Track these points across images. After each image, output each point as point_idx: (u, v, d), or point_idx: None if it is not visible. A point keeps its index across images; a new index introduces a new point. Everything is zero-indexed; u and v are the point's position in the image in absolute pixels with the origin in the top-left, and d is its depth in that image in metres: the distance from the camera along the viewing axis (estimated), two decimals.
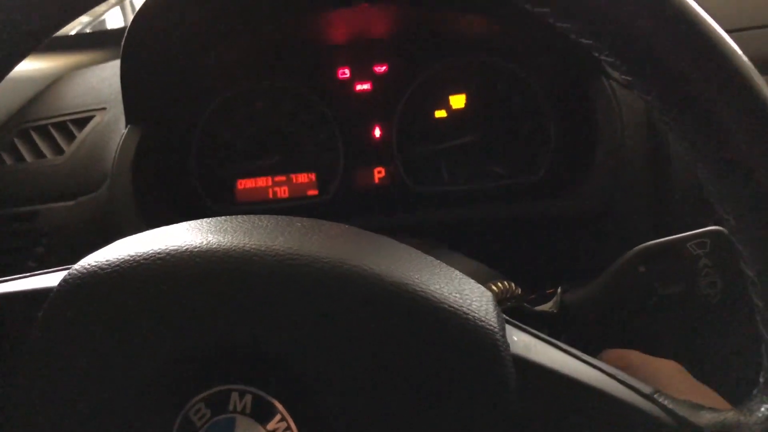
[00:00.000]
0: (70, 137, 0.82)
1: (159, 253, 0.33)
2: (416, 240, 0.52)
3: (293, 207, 0.78)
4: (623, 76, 0.31)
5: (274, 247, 0.32)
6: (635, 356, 0.39)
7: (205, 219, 0.37)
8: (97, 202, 0.74)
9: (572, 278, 0.52)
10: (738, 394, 0.33)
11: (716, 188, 0.30)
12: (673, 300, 0.41)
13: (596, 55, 0.31)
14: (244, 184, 0.79)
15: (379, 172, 0.77)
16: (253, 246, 0.32)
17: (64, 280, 0.33)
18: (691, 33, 0.29)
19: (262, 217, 0.36)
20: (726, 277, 0.40)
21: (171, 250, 0.33)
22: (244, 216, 0.36)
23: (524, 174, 0.74)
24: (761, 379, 0.31)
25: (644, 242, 0.46)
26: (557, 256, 0.68)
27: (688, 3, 0.29)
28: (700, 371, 0.40)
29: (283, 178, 0.79)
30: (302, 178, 0.79)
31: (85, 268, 0.34)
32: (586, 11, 0.30)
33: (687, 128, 0.30)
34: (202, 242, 0.33)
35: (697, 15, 0.29)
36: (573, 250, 0.68)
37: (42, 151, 0.81)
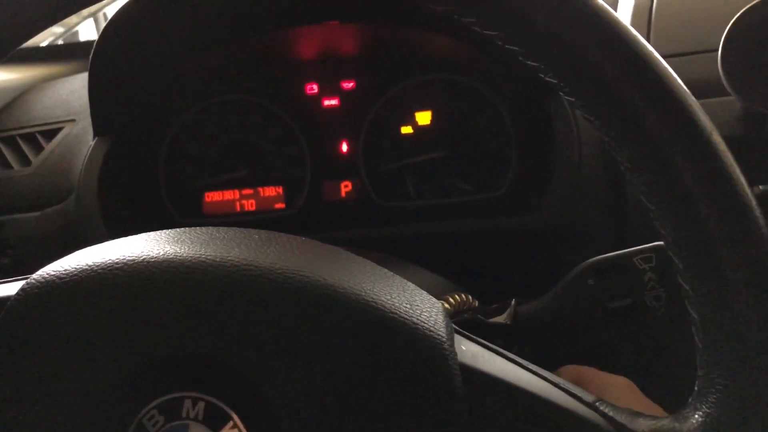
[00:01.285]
0: (38, 148, 0.81)
1: (116, 263, 0.33)
2: (377, 254, 0.53)
3: (260, 220, 0.79)
4: (566, 98, 0.33)
5: (229, 258, 0.33)
6: (588, 371, 0.41)
7: (164, 230, 0.37)
8: (63, 213, 0.74)
9: (532, 293, 0.53)
10: (678, 402, 0.35)
11: (653, 205, 0.31)
12: (621, 312, 0.43)
13: (544, 77, 0.33)
14: (212, 197, 0.80)
15: (346, 186, 0.78)
16: (209, 256, 0.33)
17: (22, 290, 0.34)
18: (635, 64, 0.30)
19: (221, 229, 0.37)
20: (670, 291, 0.42)
21: (128, 260, 0.33)
22: (203, 228, 0.37)
23: (488, 190, 0.76)
24: (696, 388, 0.33)
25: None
26: (518, 270, 0.70)
27: (624, 26, 0.30)
28: (646, 381, 0.41)
29: (250, 191, 0.80)
30: (269, 191, 0.80)
31: (44, 278, 0.34)
32: (531, 37, 0.32)
33: (625, 148, 0.32)
34: (159, 252, 0.34)
35: (634, 38, 0.30)
36: (533, 264, 0.69)
37: (9, 162, 0.81)
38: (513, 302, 0.47)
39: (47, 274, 0.34)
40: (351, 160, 0.78)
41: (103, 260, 0.34)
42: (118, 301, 0.32)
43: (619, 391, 0.39)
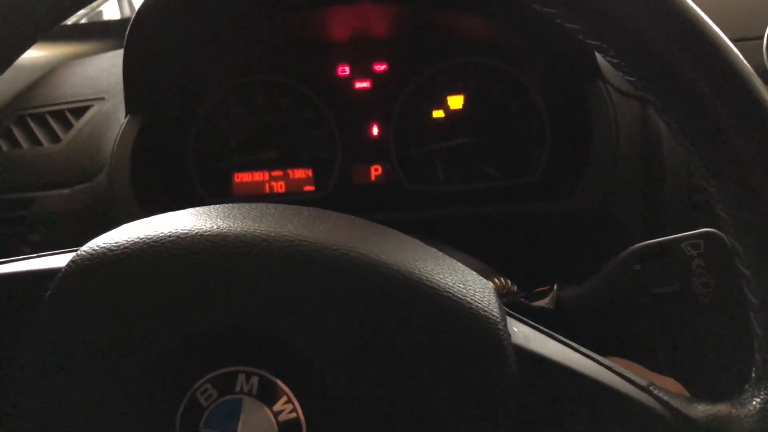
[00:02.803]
0: (68, 126, 0.82)
1: (169, 236, 0.33)
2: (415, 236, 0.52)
3: (289, 202, 0.78)
4: (626, 77, 0.32)
5: (283, 233, 0.33)
6: (636, 368, 0.40)
7: (212, 206, 0.37)
8: (93, 190, 0.75)
9: (566, 279, 0.52)
10: (730, 389, 0.34)
11: (715, 188, 0.31)
12: (667, 298, 0.42)
13: (602, 55, 0.32)
14: (241, 177, 0.80)
15: (376, 170, 0.78)
16: (263, 231, 0.33)
17: (73, 261, 0.34)
18: (695, 37, 0.30)
19: (270, 205, 0.37)
20: (718, 278, 0.41)
21: (181, 233, 0.33)
22: (252, 204, 0.37)
23: (519, 176, 0.75)
24: (753, 374, 0.32)
25: (637, 243, 0.47)
26: (551, 256, 0.69)
27: (694, 10, 0.30)
28: (691, 368, 0.41)
29: (280, 173, 0.80)
30: (299, 173, 0.79)
31: (94, 250, 0.34)
32: (596, 16, 0.31)
33: (688, 129, 0.31)
34: (212, 226, 0.33)
35: (704, 22, 0.30)
36: (567, 250, 0.69)
37: (39, 139, 0.81)
38: (555, 287, 0.47)
39: (97, 246, 0.34)
40: (382, 144, 0.78)
41: (155, 233, 0.33)
42: (171, 273, 0.32)
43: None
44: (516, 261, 0.61)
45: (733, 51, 0.30)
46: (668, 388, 0.39)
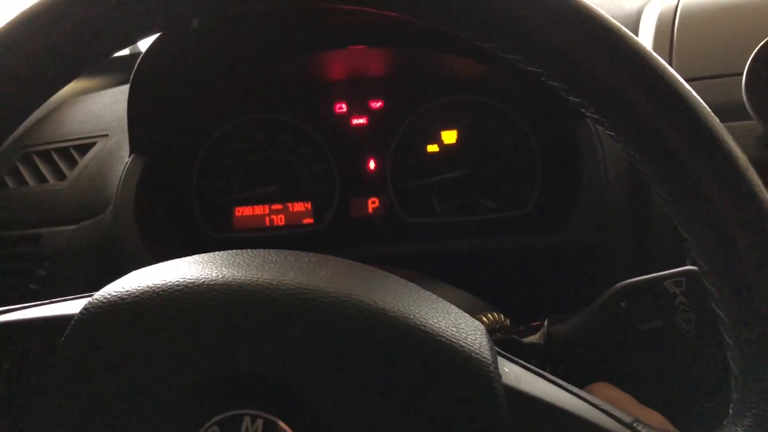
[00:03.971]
0: (72, 163, 0.84)
1: (177, 285, 0.35)
2: (406, 272, 0.54)
3: (289, 235, 0.81)
4: (607, 131, 0.34)
5: (285, 281, 0.35)
6: (624, 398, 0.42)
7: (217, 252, 0.39)
8: (99, 227, 0.76)
9: (557, 310, 0.54)
10: (711, 423, 0.36)
11: (691, 237, 0.33)
12: (651, 335, 0.44)
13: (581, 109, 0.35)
14: (242, 211, 0.82)
15: (373, 203, 0.80)
16: (266, 280, 0.35)
17: (85, 309, 0.35)
18: (672, 101, 0.32)
19: (272, 251, 0.39)
20: (699, 314, 0.43)
21: (188, 282, 0.35)
22: (255, 250, 0.39)
23: (512, 208, 0.77)
24: (731, 410, 0.34)
25: (626, 278, 0.48)
26: (543, 289, 0.71)
27: (668, 71, 0.32)
28: (675, 402, 0.43)
29: (279, 206, 0.82)
30: (298, 207, 0.81)
31: (106, 298, 0.36)
32: (578, 80, 0.33)
33: (663, 180, 0.33)
34: (218, 275, 0.35)
35: (681, 86, 0.32)
36: (558, 283, 0.71)
37: (44, 176, 0.83)
38: (546, 322, 0.48)
39: (109, 294, 0.36)
40: (378, 177, 0.80)
41: (163, 282, 0.35)
42: (179, 321, 0.34)
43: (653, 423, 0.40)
44: (509, 293, 0.63)
45: (709, 114, 0.32)
46: (653, 421, 0.40)
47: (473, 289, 0.62)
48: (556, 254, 0.70)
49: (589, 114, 0.34)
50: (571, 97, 0.34)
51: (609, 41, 0.32)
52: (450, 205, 0.79)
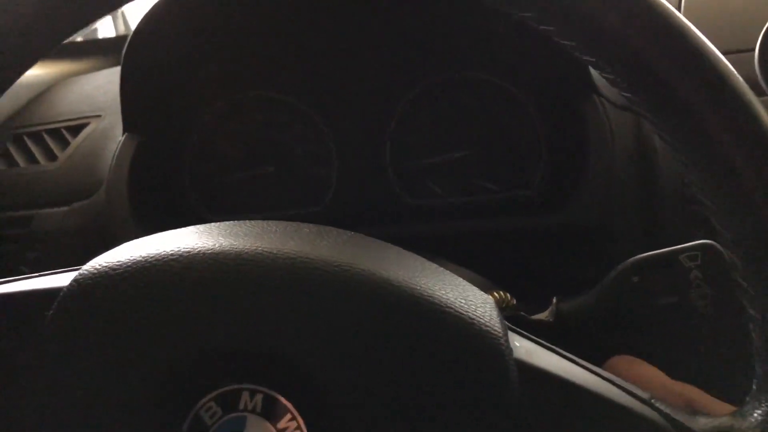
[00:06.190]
0: (64, 143, 0.82)
1: (171, 255, 0.33)
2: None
3: (287, 217, 0.79)
4: (623, 93, 0.33)
5: (285, 250, 0.33)
6: (653, 374, 0.40)
7: (213, 223, 0.37)
8: (91, 208, 0.75)
9: (563, 291, 0.53)
10: (730, 400, 0.34)
11: (712, 203, 0.31)
12: (665, 310, 0.43)
13: (598, 71, 0.33)
14: (238, 193, 0.80)
15: (373, 184, 0.78)
16: (265, 249, 0.33)
17: (75, 280, 0.34)
18: (690, 55, 0.30)
19: (270, 222, 0.37)
20: (716, 289, 0.42)
21: (183, 252, 0.33)
22: (253, 221, 0.37)
23: (516, 189, 0.76)
24: (753, 386, 0.32)
25: (634, 255, 0.47)
26: (550, 269, 0.70)
27: (689, 28, 0.30)
28: (691, 379, 0.41)
29: (277, 188, 0.80)
30: (296, 188, 0.80)
31: (96, 269, 0.34)
32: (592, 35, 0.31)
33: (684, 146, 0.31)
34: (214, 244, 0.34)
35: (699, 39, 0.30)
36: (564, 263, 0.69)
37: (36, 157, 0.82)
38: (554, 299, 0.47)
39: (99, 265, 0.34)
40: (378, 158, 0.78)
41: (157, 252, 0.34)
42: (174, 292, 0.32)
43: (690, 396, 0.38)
44: (514, 274, 0.61)
45: (729, 68, 0.30)
46: (691, 394, 0.39)
47: (477, 270, 0.60)
48: (562, 234, 0.68)
49: (604, 75, 0.32)
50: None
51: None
52: (452, 187, 0.78)
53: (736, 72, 0.31)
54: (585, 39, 0.32)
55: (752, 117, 0.30)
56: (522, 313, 0.46)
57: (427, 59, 0.78)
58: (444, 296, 0.33)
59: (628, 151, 0.67)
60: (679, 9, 0.73)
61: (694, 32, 0.30)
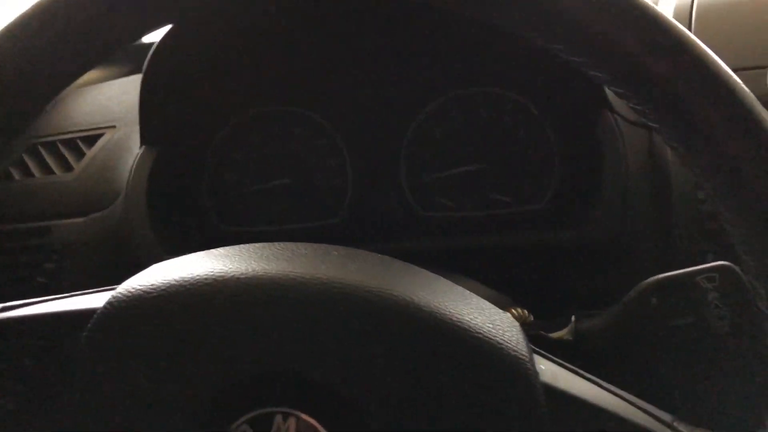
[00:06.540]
0: (80, 154, 0.83)
1: (205, 278, 0.34)
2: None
3: (302, 229, 0.80)
4: (633, 107, 0.33)
5: (317, 274, 0.34)
6: None
7: (242, 245, 0.38)
8: (108, 219, 0.75)
9: (578, 307, 0.53)
10: (745, 423, 0.35)
11: (739, 233, 0.32)
12: (683, 331, 0.43)
13: (608, 88, 0.33)
14: (255, 205, 0.81)
15: (388, 198, 0.78)
16: (297, 273, 0.34)
17: (109, 303, 0.34)
18: (701, 72, 0.31)
19: (299, 244, 0.38)
20: (734, 311, 0.42)
21: (217, 275, 0.34)
22: (282, 243, 0.38)
23: (529, 203, 0.76)
24: None
25: (648, 273, 0.48)
26: (563, 284, 0.70)
27: (697, 44, 0.31)
28: (707, 399, 0.42)
29: (293, 201, 0.80)
30: (312, 202, 0.80)
31: (130, 291, 0.35)
32: (603, 54, 0.32)
33: (707, 172, 0.32)
34: (246, 268, 0.34)
35: (708, 56, 0.31)
36: (578, 278, 0.70)
37: (51, 168, 0.82)
38: (573, 318, 0.48)
39: (133, 287, 0.35)
40: (393, 172, 0.79)
41: (190, 275, 0.34)
42: (208, 316, 0.33)
43: None
44: (529, 289, 0.62)
45: (739, 84, 0.31)
46: None
47: (492, 285, 0.61)
48: (575, 249, 0.69)
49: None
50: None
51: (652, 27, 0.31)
52: (466, 200, 0.78)
53: (749, 91, 0.31)
54: (596, 57, 0.32)
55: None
56: (542, 332, 0.47)
57: (443, 74, 0.78)
58: (472, 321, 0.33)
59: (641, 167, 0.68)
60: (689, 26, 0.74)
61: (701, 47, 0.31)
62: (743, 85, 0.31)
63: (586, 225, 0.67)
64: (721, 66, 0.31)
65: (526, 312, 0.50)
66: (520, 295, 0.60)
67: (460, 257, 0.71)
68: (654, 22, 0.31)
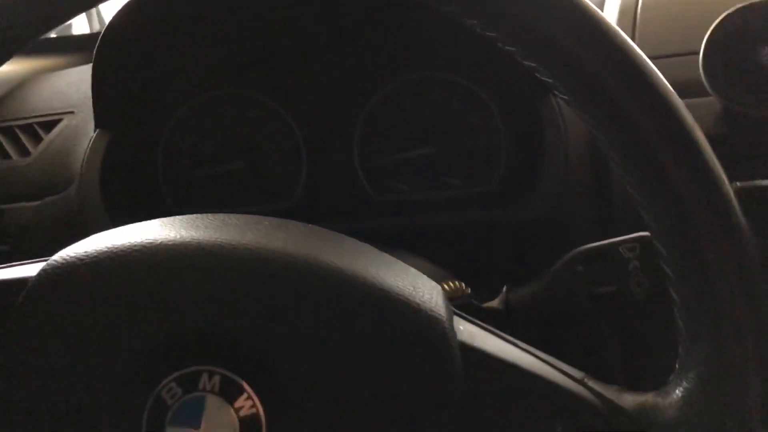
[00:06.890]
0: (37, 139, 0.83)
1: (135, 246, 0.35)
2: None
3: (256, 212, 0.80)
4: (561, 96, 0.35)
5: (242, 242, 0.35)
6: None
7: (178, 216, 0.39)
8: (63, 202, 0.76)
9: (518, 281, 0.55)
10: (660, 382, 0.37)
11: (640, 197, 0.34)
12: (606, 298, 0.45)
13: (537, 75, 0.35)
14: (208, 188, 0.81)
15: (342, 182, 0.80)
16: (225, 240, 0.35)
17: (43, 270, 0.35)
18: (622, 64, 0.33)
19: (232, 215, 0.39)
20: (651, 278, 0.45)
21: (146, 243, 0.35)
22: (214, 214, 0.39)
23: (478, 185, 0.78)
24: (677, 366, 0.35)
25: None
26: (504, 261, 0.72)
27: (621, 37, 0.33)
28: (629, 362, 0.44)
29: (247, 184, 0.82)
30: (266, 185, 0.81)
31: (64, 259, 0.36)
32: (533, 47, 0.34)
33: (615, 144, 0.34)
34: (176, 236, 0.36)
35: (632, 50, 0.33)
36: (519, 255, 0.72)
37: (8, 153, 0.82)
38: (505, 288, 0.50)
39: (68, 255, 0.36)
40: (346, 155, 0.80)
41: (121, 243, 0.35)
42: (137, 281, 0.34)
43: None
44: (473, 266, 0.64)
45: (660, 78, 0.33)
46: None
47: (439, 262, 0.63)
48: (520, 228, 0.71)
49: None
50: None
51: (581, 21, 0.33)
52: (417, 182, 0.80)
53: (662, 77, 0.33)
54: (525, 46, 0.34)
55: (677, 118, 0.33)
56: (473, 301, 0.49)
57: (395, 59, 0.80)
58: (394, 284, 0.35)
59: (582, 149, 0.70)
60: (635, 15, 0.76)
61: (621, 35, 0.33)
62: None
63: (528, 204, 0.69)
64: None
65: (463, 285, 0.52)
66: (464, 271, 0.61)
67: (411, 237, 0.73)
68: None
